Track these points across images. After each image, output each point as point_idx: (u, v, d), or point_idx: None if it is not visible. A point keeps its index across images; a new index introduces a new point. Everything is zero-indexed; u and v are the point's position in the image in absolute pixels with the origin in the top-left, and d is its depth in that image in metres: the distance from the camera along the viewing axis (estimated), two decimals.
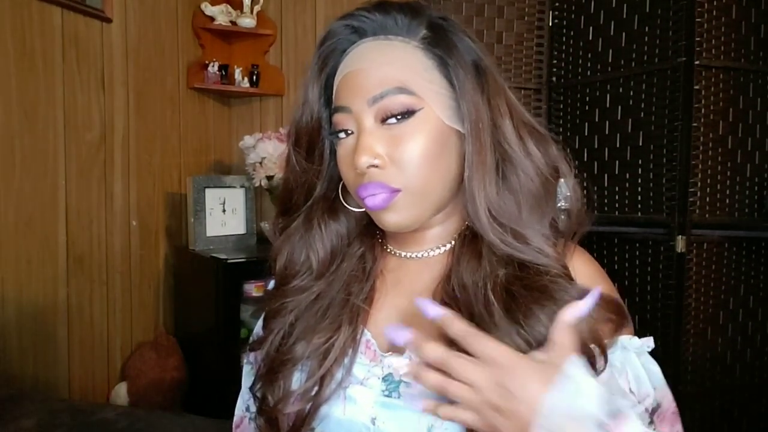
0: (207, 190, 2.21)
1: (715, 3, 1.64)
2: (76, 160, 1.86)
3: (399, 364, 0.59)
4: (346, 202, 0.68)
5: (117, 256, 2.04)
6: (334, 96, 0.63)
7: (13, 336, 1.66)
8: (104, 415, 1.32)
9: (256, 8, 2.47)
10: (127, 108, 2.07)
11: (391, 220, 0.60)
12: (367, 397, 0.60)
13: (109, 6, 1.96)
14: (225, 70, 2.45)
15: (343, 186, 0.67)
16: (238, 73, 2.49)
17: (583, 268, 0.62)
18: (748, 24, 1.69)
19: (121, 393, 1.98)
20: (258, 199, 2.44)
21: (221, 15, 2.40)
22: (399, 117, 0.58)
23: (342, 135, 0.62)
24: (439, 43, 0.60)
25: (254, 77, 2.51)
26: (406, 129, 0.59)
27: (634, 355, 0.58)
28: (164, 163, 2.26)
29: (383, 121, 0.59)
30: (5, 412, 1.28)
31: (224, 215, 2.27)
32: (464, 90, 0.60)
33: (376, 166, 0.59)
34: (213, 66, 2.40)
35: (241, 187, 2.31)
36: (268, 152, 2.12)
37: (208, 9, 2.39)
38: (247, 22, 2.45)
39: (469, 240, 0.63)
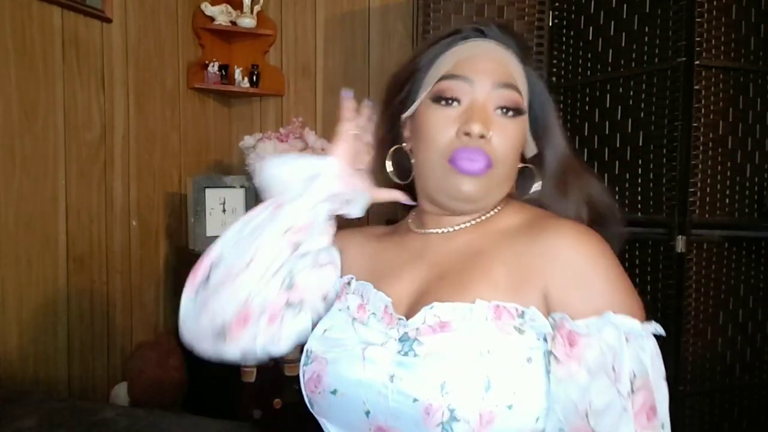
0: (207, 190, 2.21)
1: (715, 3, 1.64)
2: (76, 160, 1.86)
3: (414, 324, 0.63)
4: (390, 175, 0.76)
5: (117, 256, 2.04)
6: (449, 67, 0.69)
7: (13, 336, 1.66)
8: (104, 415, 1.32)
9: (256, 8, 2.47)
10: (127, 108, 2.07)
11: (472, 188, 0.66)
12: (384, 357, 0.64)
13: (109, 6, 1.96)
14: (225, 70, 2.45)
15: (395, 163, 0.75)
16: (238, 73, 2.49)
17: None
18: (748, 24, 1.69)
19: (121, 393, 1.98)
20: (258, 200, 2.44)
21: (221, 15, 2.40)
22: (510, 112, 0.68)
23: (451, 103, 0.68)
24: (531, 77, 0.73)
25: (254, 77, 2.51)
26: (511, 124, 0.68)
27: (623, 336, 0.59)
28: (164, 163, 2.26)
29: (497, 108, 0.68)
30: (5, 412, 1.28)
31: (224, 215, 2.27)
32: (547, 114, 0.73)
33: (483, 138, 0.66)
34: (213, 66, 2.40)
35: (241, 187, 2.31)
36: (268, 152, 2.12)
37: (208, 9, 2.39)
38: (247, 22, 2.45)
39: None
